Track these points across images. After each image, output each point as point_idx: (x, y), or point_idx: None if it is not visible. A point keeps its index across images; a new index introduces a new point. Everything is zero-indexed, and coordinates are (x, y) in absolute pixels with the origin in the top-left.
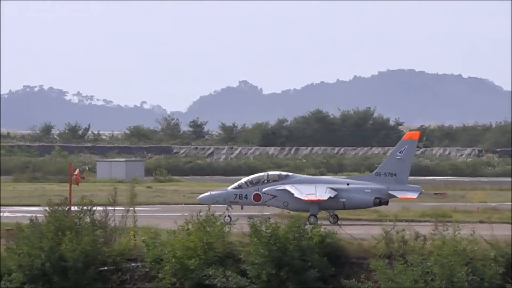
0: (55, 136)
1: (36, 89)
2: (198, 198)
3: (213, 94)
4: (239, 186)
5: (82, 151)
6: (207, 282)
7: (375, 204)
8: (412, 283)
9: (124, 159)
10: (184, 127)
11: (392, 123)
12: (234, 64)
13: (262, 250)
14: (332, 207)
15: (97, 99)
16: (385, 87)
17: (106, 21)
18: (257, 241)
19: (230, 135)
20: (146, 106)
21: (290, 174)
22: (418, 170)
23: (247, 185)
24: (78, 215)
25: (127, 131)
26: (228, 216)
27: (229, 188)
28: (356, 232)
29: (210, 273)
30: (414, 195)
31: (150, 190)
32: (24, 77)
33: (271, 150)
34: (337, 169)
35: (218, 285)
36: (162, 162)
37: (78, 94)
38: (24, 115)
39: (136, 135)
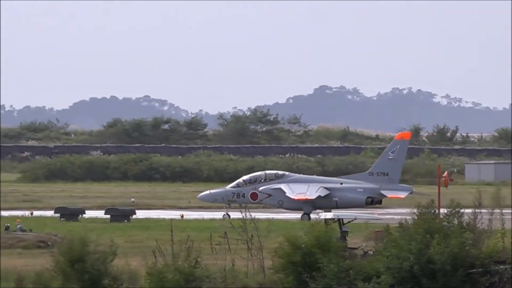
0: (423, 139)
1: (405, 92)
2: (198, 196)
3: None
4: (237, 185)
5: (450, 154)
6: None
7: (367, 203)
8: None
9: (493, 162)
10: None
11: None
12: None
13: None
14: (326, 206)
15: (466, 102)
16: None
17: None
18: None
19: None
20: None
21: (287, 173)
22: None
23: (245, 184)
24: (447, 217)
25: (496, 134)
26: (227, 214)
27: (228, 187)
28: None
29: None
30: (402, 195)
31: None
32: (393, 80)
33: None
34: None
35: None
36: None
37: (447, 96)
38: (393, 118)
39: (505, 138)
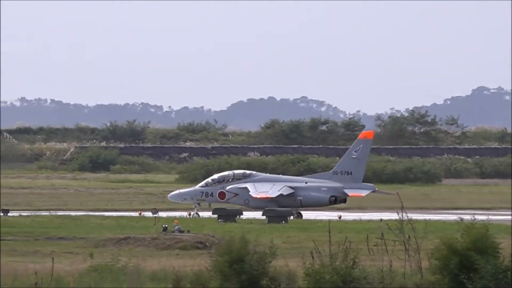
0: None
1: None
2: (168, 196)
3: None
4: (206, 184)
5: None
6: None
7: (330, 202)
8: None
9: None
10: None
11: None
12: None
13: None
14: (291, 204)
15: None
16: None
17: None
18: None
19: None
20: None
21: (254, 172)
22: None
23: (214, 183)
24: None
25: None
26: (196, 213)
27: (197, 186)
28: None
29: None
30: (364, 193)
31: None
32: None
33: None
34: None
35: None
36: None
37: None
38: None
39: None
